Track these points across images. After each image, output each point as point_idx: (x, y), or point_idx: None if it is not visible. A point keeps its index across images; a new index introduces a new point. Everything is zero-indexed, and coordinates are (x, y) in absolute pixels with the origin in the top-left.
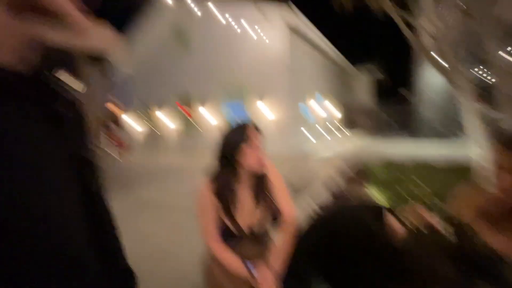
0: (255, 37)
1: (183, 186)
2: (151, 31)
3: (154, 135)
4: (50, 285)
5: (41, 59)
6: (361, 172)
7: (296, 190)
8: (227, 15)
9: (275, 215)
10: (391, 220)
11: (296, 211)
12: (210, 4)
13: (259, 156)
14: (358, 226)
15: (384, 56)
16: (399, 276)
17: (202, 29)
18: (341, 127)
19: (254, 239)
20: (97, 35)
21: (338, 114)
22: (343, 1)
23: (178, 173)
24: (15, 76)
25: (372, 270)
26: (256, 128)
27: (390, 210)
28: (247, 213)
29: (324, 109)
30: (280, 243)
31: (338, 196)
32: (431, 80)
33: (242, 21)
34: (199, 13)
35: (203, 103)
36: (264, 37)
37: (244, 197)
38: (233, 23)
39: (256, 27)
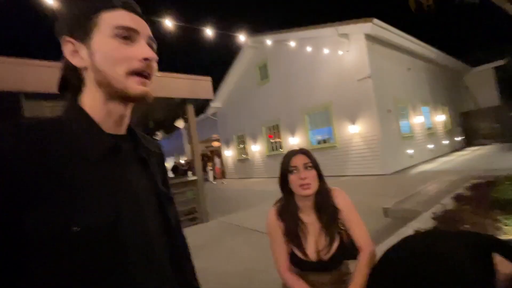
0: (338, 61)
1: (262, 210)
2: (238, 71)
3: (244, 160)
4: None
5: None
6: (480, 188)
7: (390, 212)
8: (308, 48)
9: (348, 244)
10: (502, 260)
11: (372, 242)
12: (291, 43)
13: (304, 182)
14: (453, 263)
15: None
16: None
17: (281, 61)
18: (454, 137)
19: (326, 268)
20: (199, 85)
21: (447, 123)
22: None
23: (266, 196)
24: (119, 138)
25: None
26: (304, 153)
27: (503, 245)
28: (316, 241)
29: (432, 119)
30: (356, 274)
31: (444, 221)
32: None
33: (325, 50)
34: (279, 48)
35: (291, 130)
36: (341, 53)
37: (311, 225)
38: (313, 51)
39: (340, 52)
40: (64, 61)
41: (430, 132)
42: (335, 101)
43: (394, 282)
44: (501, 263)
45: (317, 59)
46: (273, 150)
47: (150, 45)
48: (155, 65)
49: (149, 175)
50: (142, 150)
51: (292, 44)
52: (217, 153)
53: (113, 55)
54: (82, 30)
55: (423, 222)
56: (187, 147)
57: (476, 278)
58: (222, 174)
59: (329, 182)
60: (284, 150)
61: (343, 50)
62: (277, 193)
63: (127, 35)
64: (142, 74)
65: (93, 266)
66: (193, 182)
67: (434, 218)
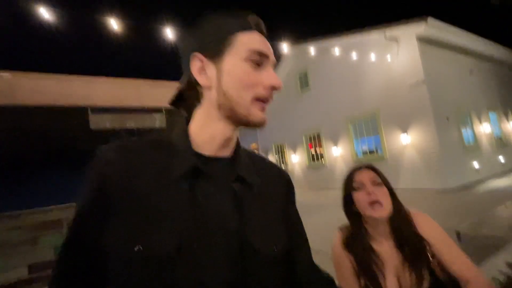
0: (386, 66)
1: (312, 220)
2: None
3: (287, 171)
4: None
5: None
6: None
7: (465, 237)
8: (352, 54)
9: (446, 281)
10: None
11: (481, 272)
12: (336, 49)
13: (374, 198)
14: None
15: None
16: None
17: (322, 69)
18: None
19: None
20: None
21: None
22: None
23: (307, 208)
24: (214, 160)
25: None
26: (370, 168)
27: None
28: (399, 279)
29: (501, 127)
30: None
31: None
32: None
33: (371, 55)
34: (321, 55)
35: (333, 139)
36: (398, 63)
37: (389, 257)
38: (359, 57)
39: (388, 56)
40: (187, 76)
41: (500, 142)
42: (384, 108)
43: None
44: None
45: (363, 65)
46: (313, 160)
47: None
48: None
49: (239, 207)
50: (240, 177)
51: (335, 51)
52: None
53: (244, 79)
54: (216, 49)
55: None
56: None
57: None
58: None
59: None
60: (326, 161)
61: (392, 55)
62: (321, 206)
63: (259, 60)
64: (264, 100)
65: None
66: None
67: None
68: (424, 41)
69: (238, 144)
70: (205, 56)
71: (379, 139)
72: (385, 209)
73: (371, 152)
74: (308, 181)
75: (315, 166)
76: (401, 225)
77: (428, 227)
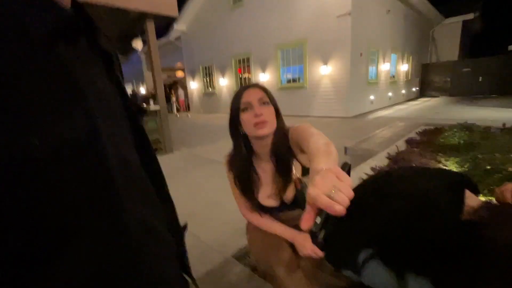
0: None
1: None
2: None
3: (211, 94)
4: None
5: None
6: (430, 134)
7: (350, 151)
8: None
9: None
10: (470, 195)
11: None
12: None
13: (259, 119)
14: (426, 196)
15: (492, 5)
16: (473, 266)
17: None
18: (412, 87)
19: (291, 208)
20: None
21: (409, 72)
22: None
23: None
24: (69, 16)
25: (435, 252)
26: (258, 86)
27: (470, 182)
28: (271, 189)
29: (396, 67)
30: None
31: (396, 160)
32: None
33: None
34: None
35: (262, 66)
36: None
37: (266, 173)
38: None
39: None
40: None
41: (392, 81)
42: (311, 38)
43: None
44: (469, 197)
45: None
46: (241, 84)
47: None
48: None
49: (115, 77)
50: (103, 40)
51: None
52: (181, 84)
53: None
54: None
55: (379, 161)
56: (147, 75)
57: (447, 209)
58: (187, 107)
59: (295, 121)
60: None
61: None
62: None
63: None
64: None
65: (72, 189)
66: (155, 112)
67: (388, 158)
68: None
69: None
70: None
71: (302, 69)
72: (268, 127)
73: (294, 80)
74: None
75: None
76: (279, 141)
77: (296, 134)
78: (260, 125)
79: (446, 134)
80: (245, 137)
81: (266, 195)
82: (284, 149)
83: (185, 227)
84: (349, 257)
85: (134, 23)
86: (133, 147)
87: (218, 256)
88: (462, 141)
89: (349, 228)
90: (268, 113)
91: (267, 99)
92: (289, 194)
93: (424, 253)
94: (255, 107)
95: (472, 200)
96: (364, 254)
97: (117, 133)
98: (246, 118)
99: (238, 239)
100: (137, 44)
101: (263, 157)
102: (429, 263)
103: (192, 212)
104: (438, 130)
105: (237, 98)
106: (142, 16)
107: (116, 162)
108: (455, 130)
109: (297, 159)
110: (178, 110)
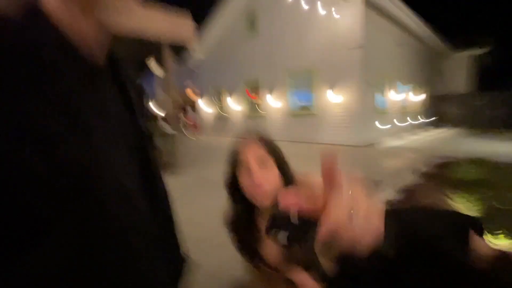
0: (328, 19)
1: None
2: (224, 17)
3: (223, 118)
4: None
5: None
6: (441, 168)
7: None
8: (304, 5)
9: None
10: (478, 239)
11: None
12: None
13: (259, 190)
14: (431, 240)
15: (501, 40)
16: None
17: (273, 14)
18: (424, 118)
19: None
20: (179, 25)
21: (421, 103)
22: None
23: None
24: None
25: None
26: (258, 141)
27: (478, 225)
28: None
29: (405, 98)
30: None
31: (410, 196)
32: None
33: (319, 3)
34: None
35: (270, 90)
36: (338, 16)
37: None
38: (307, 6)
39: (333, 9)
40: None
41: (404, 111)
42: (321, 66)
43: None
44: (478, 241)
45: (310, 19)
46: (251, 109)
47: None
48: None
49: (128, 103)
50: (121, 70)
51: None
52: (193, 105)
53: None
54: None
55: (388, 194)
56: (159, 92)
57: (454, 249)
58: (198, 129)
59: (304, 148)
60: (263, 112)
61: (339, 13)
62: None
63: None
64: None
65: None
66: (170, 135)
67: (397, 191)
68: (370, 5)
69: None
70: None
71: (311, 95)
72: (271, 196)
73: (303, 107)
74: (246, 129)
75: (252, 115)
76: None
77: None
78: (260, 196)
79: (458, 168)
80: (246, 199)
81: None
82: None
83: (184, 259)
84: None
85: (151, 44)
86: (135, 173)
87: (223, 284)
88: (474, 178)
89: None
90: (270, 179)
91: (268, 157)
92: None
93: None
94: (253, 173)
95: (481, 245)
96: None
97: (118, 160)
98: (244, 183)
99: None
100: (154, 67)
101: (266, 212)
102: None
103: (197, 237)
104: (450, 164)
105: (233, 156)
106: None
107: (112, 188)
108: (468, 164)
109: None
110: (188, 130)
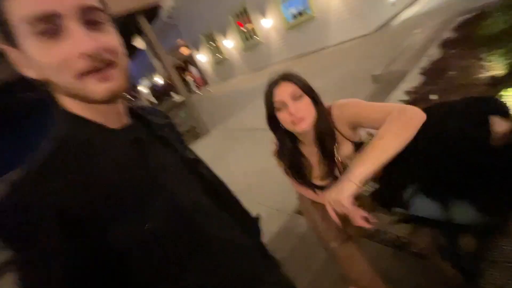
0: None
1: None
2: None
3: (223, 62)
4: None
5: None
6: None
7: (379, 78)
8: None
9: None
10: (497, 121)
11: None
12: None
13: (295, 117)
14: (456, 135)
15: None
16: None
17: None
18: None
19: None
20: None
21: None
22: None
23: (256, 93)
24: (130, 128)
25: (464, 175)
26: (287, 79)
27: (499, 106)
28: (320, 169)
29: None
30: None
31: (431, 73)
32: None
33: None
34: None
35: (261, 11)
36: None
37: (313, 155)
38: None
39: None
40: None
41: None
42: None
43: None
44: (497, 123)
45: None
46: (247, 40)
47: (89, 21)
48: (112, 45)
49: (173, 149)
50: (156, 128)
51: None
52: (190, 60)
53: (45, 61)
54: (4, 32)
55: (412, 81)
56: (156, 63)
57: (475, 138)
58: (204, 82)
59: (313, 58)
60: (260, 37)
61: None
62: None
63: (47, 28)
64: (97, 69)
65: (177, 253)
66: (182, 103)
67: (422, 73)
68: None
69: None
70: (6, 43)
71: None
72: (308, 122)
73: (300, 14)
74: (248, 64)
75: (250, 46)
76: (321, 128)
77: (341, 112)
78: (297, 122)
79: (487, 21)
80: (287, 131)
81: (317, 176)
82: (327, 135)
83: (258, 218)
84: (397, 195)
85: (127, 22)
86: (200, 192)
87: (282, 214)
88: (502, 28)
89: (395, 171)
90: (304, 108)
91: (300, 92)
92: (338, 173)
93: (460, 180)
94: (288, 105)
95: (501, 125)
96: (409, 190)
97: (187, 188)
98: (282, 117)
99: (295, 200)
100: (138, 43)
101: (308, 142)
102: (466, 187)
103: (248, 184)
104: (478, 17)
105: (268, 98)
106: (132, 16)
107: (193, 207)
108: (498, 13)
109: (346, 137)
110: (198, 88)
